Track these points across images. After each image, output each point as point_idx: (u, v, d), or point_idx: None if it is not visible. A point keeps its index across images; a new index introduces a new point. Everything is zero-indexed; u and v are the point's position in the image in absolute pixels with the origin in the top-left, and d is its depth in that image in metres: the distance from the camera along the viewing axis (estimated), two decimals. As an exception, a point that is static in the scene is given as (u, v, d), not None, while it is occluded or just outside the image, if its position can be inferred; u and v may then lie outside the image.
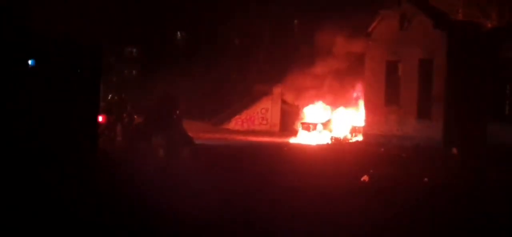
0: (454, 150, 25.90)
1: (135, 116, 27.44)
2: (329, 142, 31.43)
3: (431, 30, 28.40)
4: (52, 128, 14.61)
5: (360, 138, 31.75)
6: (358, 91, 34.08)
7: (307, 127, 34.41)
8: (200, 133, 30.80)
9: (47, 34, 15.35)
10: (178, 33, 49.88)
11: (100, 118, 25.89)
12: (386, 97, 30.56)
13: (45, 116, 14.60)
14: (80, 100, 15.03)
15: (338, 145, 30.05)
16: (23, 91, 14.83)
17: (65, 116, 14.66)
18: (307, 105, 36.66)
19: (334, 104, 35.65)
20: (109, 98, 29.45)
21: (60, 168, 13.59)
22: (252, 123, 40.22)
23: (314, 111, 36.16)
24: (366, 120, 31.36)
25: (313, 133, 33.85)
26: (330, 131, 33.86)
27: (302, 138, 33.22)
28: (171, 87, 40.76)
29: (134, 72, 49.68)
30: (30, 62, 14.08)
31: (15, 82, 14.66)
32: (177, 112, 8.89)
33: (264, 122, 40.32)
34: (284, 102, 39.69)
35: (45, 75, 15.24)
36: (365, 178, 17.93)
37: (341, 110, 34.98)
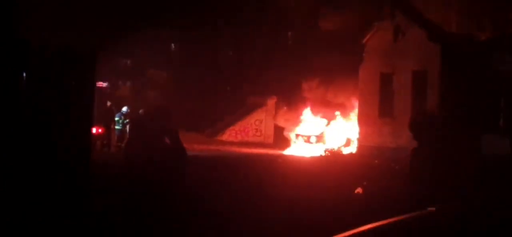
0: (449, 163, 25.85)
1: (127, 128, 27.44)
2: (323, 154, 31.39)
3: (425, 42, 28.35)
4: (43, 139, 14.42)
5: (354, 149, 31.70)
6: (353, 101, 34.05)
7: (301, 139, 34.36)
8: (194, 144, 30.70)
9: (38, 43, 15.24)
10: (172, 44, 49.89)
11: (94, 129, 25.87)
12: (380, 109, 30.57)
13: (36, 127, 14.40)
14: (73, 109, 14.86)
15: (332, 156, 29.99)
16: (15, 101, 14.66)
17: (58, 126, 14.48)
18: (301, 116, 36.61)
19: (328, 115, 35.60)
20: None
21: (52, 180, 13.46)
22: (246, 135, 40.16)
23: (308, 123, 36.11)
24: (360, 132, 31.33)
25: (307, 145, 33.79)
26: (324, 142, 33.82)
27: (296, 150, 33.16)
28: (165, 97, 40.86)
29: (128, 83, 49.66)
30: (24, 74, 13.97)
31: (7, 93, 14.48)
32: (171, 123, 8.70)
33: (258, 133, 40.26)
34: (278, 113, 39.64)
35: (37, 84, 15.08)
36: (359, 190, 17.86)
37: (335, 121, 34.95)
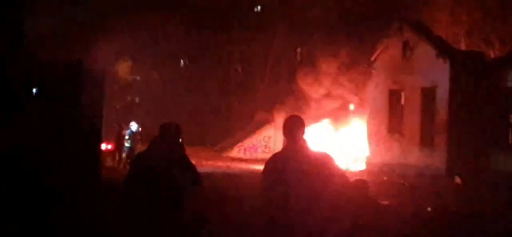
0: (458, 179, 25.82)
1: (139, 145, 27.34)
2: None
3: (434, 59, 28.44)
4: (53, 156, 14.47)
5: (362, 166, 31.66)
6: (354, 104, 33.93)
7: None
8: (203, 160, 30.73)
9: (50, 60, 15.37)
10: (181, 61, 50.09)
11: (104, 146, 25.90)
12: (389, 126, 30.58)
13: (46, 144, 14.46)
14: (83, 126, 14.94)
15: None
16: (26, 118, 14.75)
17: (67, 143, 14.54)
18: (309, 132, 36.60)
19: (337, 131, 35.59)
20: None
21: (61, 197, 13.49)
22: (255, 151, 40.16)
23: (317, 139, 36.06)
24: (369, 149, 31.31)
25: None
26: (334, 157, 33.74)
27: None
28: (174, 113, 40.93)
29: (136, 99, 49.83)
30: (34, 90, 14.08)
31: (18, 109, 14.57)
32: (180, 140, 8.59)
33: (267, 150, 40.22)
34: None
35: (48, 101, 15.17)
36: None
37: (343, 137, 34.91)
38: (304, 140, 6.30)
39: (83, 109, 15.37)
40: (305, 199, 6.11)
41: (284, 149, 6.32)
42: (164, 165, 8.04)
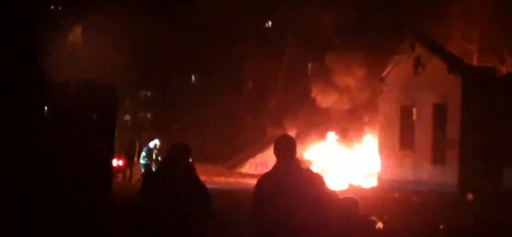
0: (470, 196, 25.68)
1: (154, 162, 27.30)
2: (346, 187, 30.94)
3: (445, 75, 28.36)
4: (65, 171, 14.53)
5: (374, 182, 31.54)
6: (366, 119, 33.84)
7: (322, 172, 34.20)
8: (214, 176, 30.70)
9: (62, 78, 15.45)
10: (193, 76, 50.17)
11: (115, 162, 25.89)
12: (400, 142, 30.48)
13: (58, 160, 14.51)
14: (95, 142, 14.98)
15: (352, 190, 29.77)
16: (38, 135, 14.80)
17: (80, 159, 14.58)
18: (321, 148, 36.52)
19: (348, 146, 35.51)
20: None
21: (73, 212, 13.50)
22: (266, 167, 39.77)
23: (329, 154, 36.01)
24: (381, 165, 31.21)
25: (328, 177, 33.63)
26: (345, 174, 33.64)
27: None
28: (185, 129, 41.02)
29: (148, 115, 49.90)
30: (45, 107, 14.14)
31: (31, 127, 14.63)
32: (190, 161, 8.56)
33: (278, 165, 40.15)
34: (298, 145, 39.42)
35: (61, 118, 15.24)
36: (379, 225, 17.69)
37: (355, 152, 34.82)
38: (294, 160, 6.38)
39: (95, 126, 15.42)
40: (294, 218, 6.17)
41: (274, 168, 6.40)
42: (173, 186, 8.04)
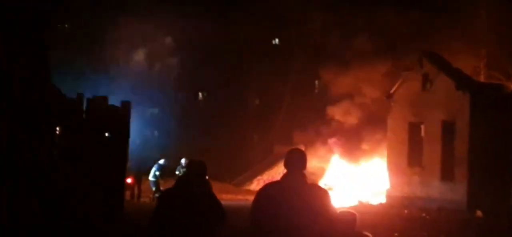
0: (479, 213, 25.66)
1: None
2: (356, 204, 30.84)
3: (453, 92, 28.38)
4: (77, 191, 14.57)
5: (383, 199, 31.50)
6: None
7: (330, 188, 34.16)
8: (223, 194, 30.64)
9: (75, 96, 15.50)
10: (200, 93, 50.26)
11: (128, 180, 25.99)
12: (409, 159, 30.46)
13: (69, 180, 14.55)
14: (108, 160, 15.02)
15: (362, 206, 29.76)
16: (50, 153, 14.87)
17: (91, 178, 14.62)
18: (328, 164, 36.55)
19: (357, 162, 35.53)
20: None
21: (86, 232, 13.55)
22: (273, 185, 40.02)
23: (336, 170, 36.03)
24: (390, 181, 31.19)
25: (335, 194, 33.58)
26: (354, 190, 33.62)
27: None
28: (192, 147, 41.02)
29: (156, 132, 49.92)
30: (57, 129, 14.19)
31: (43, 143, 14.70)
32: (207, 177, 8.67)
33: (286, 182, 40.15)
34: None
35: (72, 137, 15.29)
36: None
37: (363, 168, 34.82)
38: (303, 174, 6.49)
39: (108, 144, 15.47)
40: (294, 228, 6.29)
41: (282, 178, 6.57)
42: (190, 202, 8.10)
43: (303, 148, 36.85)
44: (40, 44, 14.43)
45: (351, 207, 29.02)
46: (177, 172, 28.13)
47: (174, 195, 8.32)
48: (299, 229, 6.38)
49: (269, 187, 6.70)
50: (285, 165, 6.62)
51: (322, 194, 6.67)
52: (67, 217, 13.47)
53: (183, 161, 28.24)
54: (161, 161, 28.81)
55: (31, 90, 14.24)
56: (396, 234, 18.92)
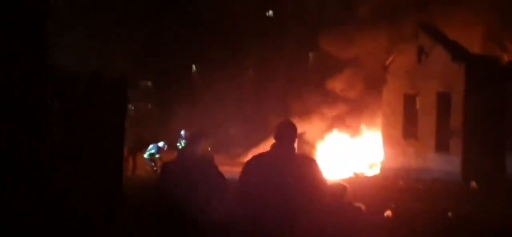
0: (473, 184, 25.81)
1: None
2: (351, 176, 30.92)
3: (449, 64, 28.43)
4: (77, 165, 14.50)
5: (377, 171, 31.62)
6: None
7: (324, 159, 34.21)
8: (219, 166, 30.67)
9: (69, 69, 15.39)
10: (193, 66, 50.13)
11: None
12: (404, 131, 30.55)
13: (69, 154, 14.48)
14: (106, 135, 14.92)
15: (357, 178, 29.89)
16: (46, 128, 14.76)
17: (91, 153, 14.54)
18: (324, 135, 36.60)
19: (352, 133, 35.59)
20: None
21: (85, 208, 13.51)
22: (269, 156, 40.01)
23: (331, 142, 36.08)
24: (384, 153, 31.28)
25: (330, 165, 33.65)
26: (347, 163, 33.70)
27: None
28: (186, 120, 41.01)
29: (149, 105, 49.87)
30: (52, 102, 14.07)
31: (39, 118, 14.58)
32: (209, 149, 8.66)
33: (281, 154, 40.13)
34: (300, 135, 39.55)
35: (70, 110, 15.19)
36: (388, 213, 17.80)
37: (358, 140, 34.89)
38: (292, 146, 6.56)
39: (105, 120, 15.35)
40: (280, 195, 6.32)
41: (271, 148, 6.60)
42: (193, 173, 8.11)
43: (299, 120, 37.00)
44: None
45: (344, 179, 29.17)
46: (178, 145, 28.13)
47: (176, 168, 8.31)
48: (287, 199, 6.39)
49: (256, 158, 6.73)
50: (275, 137, 6.63)
51: (311, 164, 6.72)
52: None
53: (183, 132, 28.24)
54: (161, 144, 28.72)
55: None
56: (393, 205, 19.00)
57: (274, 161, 6.59)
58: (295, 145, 6.64)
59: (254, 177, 6.61)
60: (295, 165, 6.54)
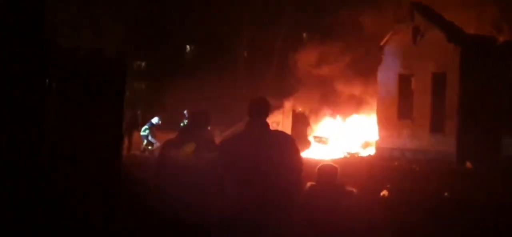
0: (468, 164, 25.86)
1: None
2: (346, 156, 30.99)
3: (444, 44, 28.40)
4: (76, 145, 14.41)
5: (372, 151, 31.66)
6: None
7: (319, 140, 34.27)
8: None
9: (67, 46, 15.26)
10: (187, 46, 50.00)
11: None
12: (399, 111, 30.57)
13: (68, 132, 14.39)
14: (105, 113, 14.82)
15: (352, 159, 29.90)
16: (45, 106, 14.68)
17: (90, 131, 14.46)
18: (319, 117, 36.59)
19: (345, 116, 35.59)
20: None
21: (85, 187, 13.46)
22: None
23: (326, 123, 36.09)
24: (379, 134, 31.31)
25: (324, 146, 33.71)
26: (342, 144, 33.74)
27: (314, 153, 33.03)
28: (180, 100, 40.93)
29: (143, 85, 49.77)
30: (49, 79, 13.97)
31: (37, 98, 14.49)
32: (209, 128, 8.65)
33: (275, 135, 40.07)
34: (295, 114, 39.51)
35: (65, 86, 15.08)
36: (384, 193, 17.80)
37: (353, 120, 34.89)
38: (265, 122, 6.63)
39: (103, 100, 15.24)
40: (257, 172, 6.37)
41: (245, 127, 6.63)
42: (194, 152, 8.09)
43: (290, 103, 36.95)
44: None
45: (334, 160, 29.18)
46: (181, 124, 28.18)
47: (176, 146, 8.29)
48: (263, 176, 6.44)
49: (231, 139, 6.83)
50: (249, 114, 6.69)
51: (287, 139, 6.76)
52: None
53: (185, 112, 28.37)
54: (154, 120, 28.84)
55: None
56: (388, 185, 19.00)
57: (250, 137, 6.63)
58: (266, 120, 6.59)
59: (233, 155, 6.64)
60: (269, 141, 6.59)
